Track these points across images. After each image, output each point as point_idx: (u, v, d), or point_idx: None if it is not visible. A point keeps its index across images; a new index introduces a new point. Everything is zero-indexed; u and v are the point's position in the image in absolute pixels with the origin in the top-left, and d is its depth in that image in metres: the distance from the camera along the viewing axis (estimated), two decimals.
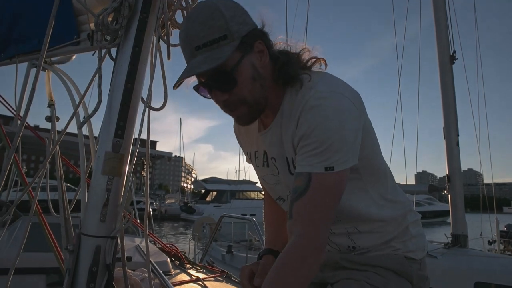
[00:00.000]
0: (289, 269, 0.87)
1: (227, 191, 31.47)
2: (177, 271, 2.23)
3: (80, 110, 1.24)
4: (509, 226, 9.01)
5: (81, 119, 1.21)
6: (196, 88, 0.98)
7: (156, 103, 1.11)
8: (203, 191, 35.45)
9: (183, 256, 2.50)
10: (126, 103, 1.02)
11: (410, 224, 1.09)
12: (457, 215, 4.63)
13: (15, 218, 2.83)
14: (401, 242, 1.07)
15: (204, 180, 35.36)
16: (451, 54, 4.97)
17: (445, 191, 4.84)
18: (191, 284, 1.99)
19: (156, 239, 2.69)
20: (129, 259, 1.54)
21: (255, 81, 0.93)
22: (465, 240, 4.51)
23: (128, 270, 1.51)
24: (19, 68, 1.56)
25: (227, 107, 0.95)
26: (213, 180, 34.73)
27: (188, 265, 2.46)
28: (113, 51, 1.11)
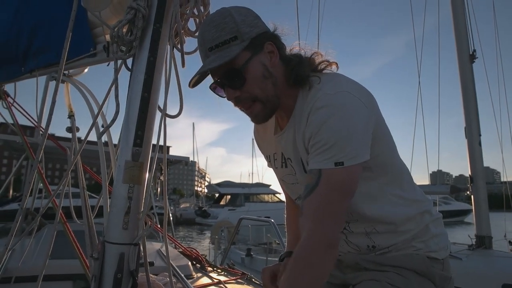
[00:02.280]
0: (301, 265, 0.88)
1: (241, 194, 31.50)
2: (199, 274, 2.25)
3: (99, 120, 1.28)
4: None
5: (100, 129, 1.25)
6: (212, 88, 1.05)
7: (171, 110, 1.14)
8: (217, 195, 35.56)
9: (204, 259, 2.53)
10: (144, 112, 1.04)
11: (431, 223, 1.08)
12: (481, 216, 4.56)
13: (40, 226, 2.90)
14: (422, 242, 1.06)
15: (218, 184, 35.49)
16: (470, 53, 4.89)
17: (467, 192, 4.77)
18: (213, 287, 2.01)
19: (176, 243, 2.72)
20: (151, 264, 1.56)
21: (265, 79, 0.98)
22: (490, 242, 4.43)
23: (151, 275, 1.53)
24: (38, 81, 1.61)
25: (239, 104, 1.01)
26: (227, 184, 34.84)
27: (209, 268, 2.48)
28: (129, 61, 1.14)
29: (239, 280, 2.25)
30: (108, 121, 1.17)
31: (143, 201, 1.03)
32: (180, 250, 2.60)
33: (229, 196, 32.96)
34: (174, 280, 1.65)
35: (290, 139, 1.04)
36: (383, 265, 1.05)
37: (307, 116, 0.95)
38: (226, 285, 2.06)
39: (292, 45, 1.06)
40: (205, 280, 2.12)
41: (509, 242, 7.06)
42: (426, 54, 6.77)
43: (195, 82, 1.02)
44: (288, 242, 1.27)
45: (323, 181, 0.88)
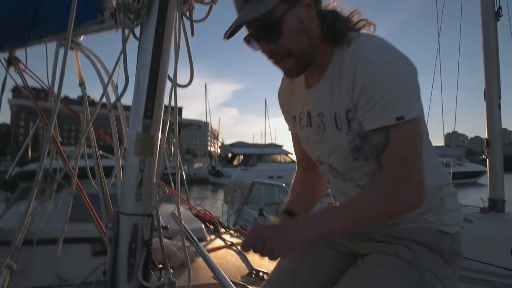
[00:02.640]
0: (373, 203, 0.92)
1: (254, 154, 31.76)
2: (212, 237, 2.32)
3: (110, 89, 1.27)
4: None
5: (111, 99, 1.24)
6: (246, 40, 1.03)
7: (181, 78, 1.12)
8: (230, 155, 35.96)
9: (217, 222, 2.60)
10: (153, 84, 1.02)
11: (446, 197, 1.07)
12: (496, 180, 4.51)
13: (59, 187, 3.00)
14: (435, 215, 1.05)
15: (231, 145, 35.87)
16: (496, 10, 4.61)
17: (483, 156, 4.70)
18: (226, 249, 2.07)
19: (190, 206, 2.79)
20: (165, 228, 1.61)
21: (301, 33, 0.97)
22: (502, 205, 4.42)
23: (165, 240, 1.58)
24: (49, 47, 1.61)
25: (273, 57, 1.00)
26: (240, 145, 35.25)
27: (223, 230, 2.55)
28: (137, 30, 1.11)
29: None
30: (119, 91, 1.16)
31: (155, 173, 1.04)
32: (194, 212, 2.66)
33: (242, 156, 33.30)
34: (187, 244, 1.71)
35: (326, 94, 1.03)
36: (393, 237, 1.05)
37: (352, 69, 0.93)
38: (239, 247, 2.12)
39: (329, 1, 1.04)
40: (218, 242, 2.19)
41: None
42: (446, 12, 6.42)
43: (230, 34, 1.00)
44: (287, 202, 1.27)
45: (392, 137, 0.90)
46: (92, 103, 1.48)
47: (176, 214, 2.45)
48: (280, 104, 1.28)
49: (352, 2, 1.05)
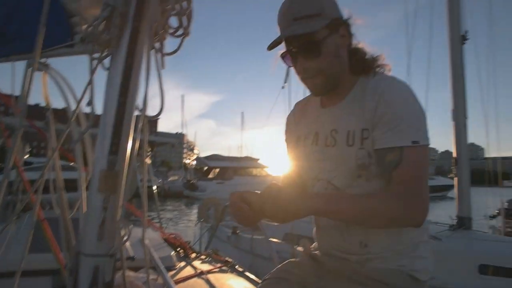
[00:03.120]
0: (383, 202, 0.97)
1: (230, 168, 31.66)
2: (182, 264, 2.26)
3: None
4: (510, 202, 9.01)
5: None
6: (282, 56, 1.15)
7: (152, 107, 1.09)
8: (205, 168, 35.64)
9: (188, 247, 2.53)
10: (120, 118, 0.99)
11: (422, 244, 1.10)
12: (463, 198, 4.68)
13: (23, 209, 2.84)
14: (409, 258, 1.06)
15: (207, 157, 35.52)
16: (462, 34, 4.81)
17: (451, 174, 4.85)
18: (195, 279, 2.01)
19: (160, 230, 2.71)
20: (131, 259, 1.55)
21: (335, 57, 1.11)
22: (469, 223, 4.56)
23: (131, 274, 1.52)
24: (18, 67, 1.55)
25: (307, 73, 1.12)
26: (216, 157, 34.89)
27: (193, 255, 2.49)
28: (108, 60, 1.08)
29: (222, 268, 2.26)
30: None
31: (119, 211, 1.00)
32: (164, 236, 2.59)
33: (217, 169, 33.08)
34: (154, 277, 1.65)
35: (344, 112, 1.13)
36: (366, 278, 1.05)
37: (377, 94, 1.05)
38: (208, 275, 2.07)
39: (358, 41, 1.18)
40: (188, 271, 2.13)
41: (490, 216, 7.30)
42: (417, 31, 6.68)
43: (273, 46, 1.12)
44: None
45: (406, 156, 0.99)
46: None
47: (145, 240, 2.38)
48: (287, 126, 1.35)
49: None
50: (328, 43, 1.09)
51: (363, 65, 1.14)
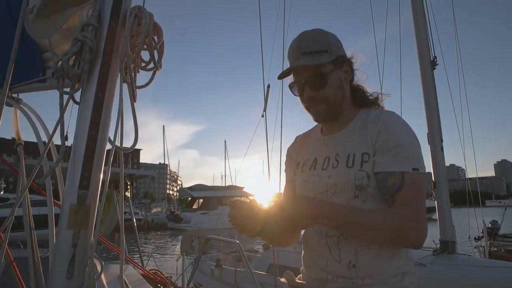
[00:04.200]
0: (388, 221, 1.03)
1: (214, 197, 31.25)
2: None
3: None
4: (494, 223, 9.16)
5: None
6: (290, 86, 1.27)
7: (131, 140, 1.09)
8: (189, 198, 35.10)
9: (169, 282, 2.45)
10: (91, 152, 0.98)
11: (407, 275, 1.11)
12: (444, 221, 4.61)
13: None
14: None
15: (190, 188, 35.04)
16: (431, 59, 4.97)
17: (431, 198, 4.84)
18: None
19: (139, 267, 2.62)
20: None
21: (339, 89, 1.22)
22: (453, 246, 4.50)
23: None
24: None
25: (312, 101, 1.22)
26: (199, 187, 34.46)
27: None
28: (78, 94, 1.08)
29: None
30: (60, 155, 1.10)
31: (90, 247, 0.97)
32: (143, 273, 2.50)
33: (201, 200, 32.61)
34: None
35: (347, 138, 1.21)
36: None
37: (378, 123, 1.14)
38: None
39: (359, 80, 1.30)
40: None
41: (475, 238, 7.33)
42: (389, 60, 6.90)
43: (283, 76, 1.24)
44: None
45: (407, 181, 1.06)
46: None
47: (124, 277, 2.30)
48: (287, 157, 1.44)
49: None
50: (333, 76, 1.20)
51: (365, 99, 1.27)
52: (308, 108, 1.26)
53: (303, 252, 1.29)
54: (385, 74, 6.67)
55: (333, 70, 1.21)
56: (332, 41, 1.23)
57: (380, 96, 1.29)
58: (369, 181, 1.11)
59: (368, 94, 1.29)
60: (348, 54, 1.28)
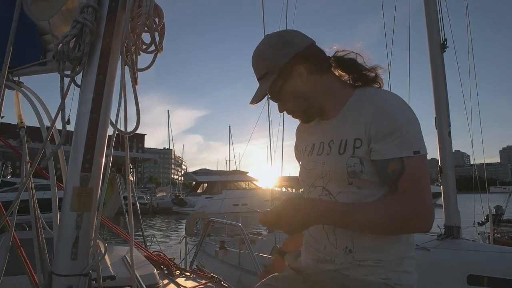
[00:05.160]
0: (389, 216, 1.01)
1: (218, 182, 31.44)
2: (165, 281, 2.21)
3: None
4: (498, 208, 9.13)
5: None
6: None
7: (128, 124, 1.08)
8: (194, 183, 35.35)
9: (172, 264, 2.49)
10: (93, 134, 0.98)
11: (406, 259, 1.10)
12: (450, 206, 4.58)
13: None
14: (394, 272, 1.07)
15: (195, 172, 35.27)
16: (441, 42, 4.82)
17: (437, 183, 4.82)
18: None
19: (143, 249, 2.66)
20: (113, 278, 1.51)
21: (297, 98, 1.20)
22: (458, 231, 4.48)
23: None
24: None
25: (288, 113, 1.26)
26: (204, 172, 34.68)
27: (178, 272, 2.45)
28: (80, 77, 1.07)
29: (208, 284, 2.23)
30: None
31: (93, 229, 0.98)
32: (147, 255, 2.54)
33: (206, 184, 32.84)
34: None
35: (341, 124, 1.17)
36: None
37: (373, 105, 1.09)
38: None
39: (348, 49, 1.23)
40: None
41: (478, 223, 7.32)
42: (397, 41, 6.79)
43: (255, 102, 1.23)
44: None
45: (408, 165, 1.03)
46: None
47: (127, 258, 2.34)
48: (298, 136, 1.44)
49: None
50: (285, 90, 1.19)
51: (359, 77, 1.21)
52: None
53: (303, 235, 1.29)
54: (392, 57, 6.58)
55: (284, 83, 1.18)
56: (270, 56, 1.18)
57: (378, 72, 1.21)
58: (362, 167, 1.08)
59: (364, 69, 1.20)
60: (305, 43, 1.18)
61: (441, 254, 3.97)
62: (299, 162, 1.38)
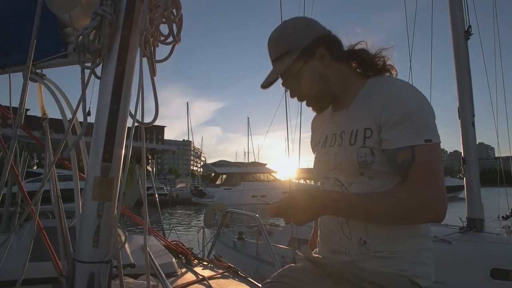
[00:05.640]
0: (400, 207, 1.00)
1: (237, 173, 31.62)
2: (183, 270, 2.25)
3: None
4: None
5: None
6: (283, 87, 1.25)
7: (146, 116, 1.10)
8: (213, 174, 35.66)
9: (190, 253, 2.53)
10: (113, 125, 1.00)
11: (423, 250, 1.09)
12: (473, 198, 4.43)
13: (26, 218, 2.87)
14: (410, 264, 1.06)
15: (214, 164, 35.53)
16: (466, 29, 4.61)
17: (460, 174, 4.69)
18: (196, 285, 2.01)
19: (161, 237, 2.71)
20: (132, 266, 1.55)
21: (317, 82, 1.17)
22: (481, 224, 4.32)
23: (129, 280, 1.53)
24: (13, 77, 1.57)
25: (299, 100, 1.22)
26: (223, 163, 34.90)
27: (195, 261, 2.48)
28: (100, 68, 1.09)
29: (225, 274, 2.25)
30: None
31: (114, 218, 1.01)
32: (165, 244, 2.59)
33: (224, 176, 33.09)
34: (154, 283, 1.65)
35: (353, 114, 1.16)
36: (366, 281, 1.05)
37: (384, 94, 1.07)
38: (210, 281, 2.06)
39: (360, 41, 1.21)
40: (189, 277, 2.12)
41: (502, 217, 7.10)
42: (420, 30, 6.60)
43: (266, 86, 1.21)
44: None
45: (418, 154, 1.00)
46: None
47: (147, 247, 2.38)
48: (313, 127, 1.43)
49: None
50: (305, 72, 1.16)
51: (369, 67, 1.19)
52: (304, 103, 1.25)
53: (318, 227, 1.29)
54: (414, 46, 6.41)
55: (304, 65, 1.15)
56: (292, 34, 1.16)
57: (386, 58, 1.19)
58: (373, 157, 1.06)
59: (372, 57, 1.19)
60: (325, 30, 1.19)
61: (463, 247, 3.87)
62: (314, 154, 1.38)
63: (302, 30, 1.17)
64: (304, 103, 1.24)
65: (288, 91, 1.23)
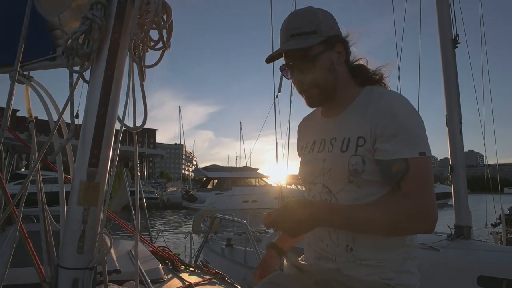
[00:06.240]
0: (390, 219, 1.00)
1: (228, 178, 31.51)
2: (170, 276, 2.23)
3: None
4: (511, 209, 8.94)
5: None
6: (282, 68, 1.23)
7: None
8: (204, 179, 35.50)
9: (177, 259, 2.50)
10: (100, 130, 0.99)
11: (409, 259, 1.10)
12: (460, 205, 4.45)
13: (10, 221, 2.82)
14: (396, 272, 1.06)
15: (205, 168, 35.40)
16: (453, 37, 4.65)
17: (447, 182, 4.72)
18: None
19: (149, 244, 2.68)
20: (118, 272, 1.53)
21: (329, 72, 1.16)
22: (468, 232, 4.35)
23: (114, 287, 1.50)
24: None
25: (301, 86, 1.18)
26: (214, 168, 34.78)
27: (182, 267, 2.46)
28: (88, 73, 1.08)
29: (212, 280, 2.23)
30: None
31: (99, 223, 0.99)
32: (153, 249, 2.56)
33: (216, 180, 32.96)
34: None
35: (346, 121, 1.16)
36: None
37: (380, 104, 1.08)
38: (197, 287, 2.04)
39: (359, 56, 1.24)
40: (175, 283, 2.10)
41: (491, 224, 7.14)
42: (408, 38, 6.65)
43: (271, 59, 1.22)
44: (279, 236, 1.46)
45: (412, 167, 1.02)
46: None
47: (133, 253, 2.36)
48: (299, 132, 1.42)
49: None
50: (322, 58, 1.14)
51: (367, 79, 1.21)
52: (301, 93, 1.21)
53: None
54: (403, 54, 6.46)
55: (323, 51, 1.14)
56: (323, 20, 1.16)
57: (383, 74, 1.23)
58: (364, 166, 1.07)
59: (371, 72, 1.22)
60: (344, 32, 1.21)
61: (450, 254, 3.88)
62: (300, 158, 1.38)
63: (331, 21, 1.19)
64: (295, 108, 1.25)
65: (289, 77, 1.21)
